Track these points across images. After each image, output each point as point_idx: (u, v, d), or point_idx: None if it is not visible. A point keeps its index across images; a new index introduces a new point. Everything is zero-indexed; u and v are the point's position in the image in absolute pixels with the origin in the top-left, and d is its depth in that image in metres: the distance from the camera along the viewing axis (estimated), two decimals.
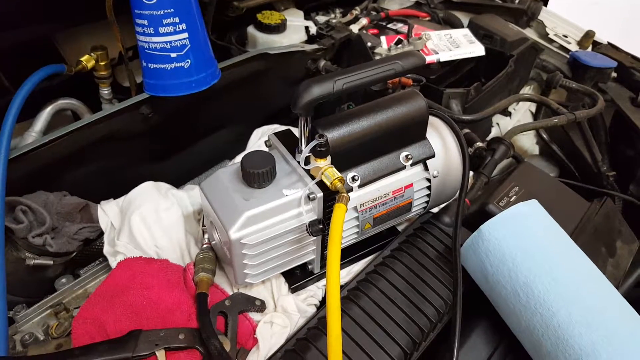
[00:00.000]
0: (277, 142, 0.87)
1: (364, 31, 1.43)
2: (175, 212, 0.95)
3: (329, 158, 0.78)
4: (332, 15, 1.53)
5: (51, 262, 0.94)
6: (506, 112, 1.67)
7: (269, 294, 0.87)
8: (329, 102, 0.84)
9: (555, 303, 0.72)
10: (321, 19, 1.51)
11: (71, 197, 0.99)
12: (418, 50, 1.21)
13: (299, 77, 1.35)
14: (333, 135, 0.79)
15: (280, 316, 0.82)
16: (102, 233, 0.99)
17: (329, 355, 0.60)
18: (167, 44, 0.95)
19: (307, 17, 1.50)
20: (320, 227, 0.77)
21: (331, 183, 0.75)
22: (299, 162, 0.81)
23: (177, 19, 0.93)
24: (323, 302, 0.90)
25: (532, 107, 1.74)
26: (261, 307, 0.84)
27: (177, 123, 1.16)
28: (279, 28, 1.34)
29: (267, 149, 0.89)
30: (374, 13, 1.54)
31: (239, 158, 1.08)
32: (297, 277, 0.90)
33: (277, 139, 0.87)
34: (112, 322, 0.72)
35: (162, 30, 0.92)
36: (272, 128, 1.21)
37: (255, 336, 0.79)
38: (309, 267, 0.90)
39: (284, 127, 1.13)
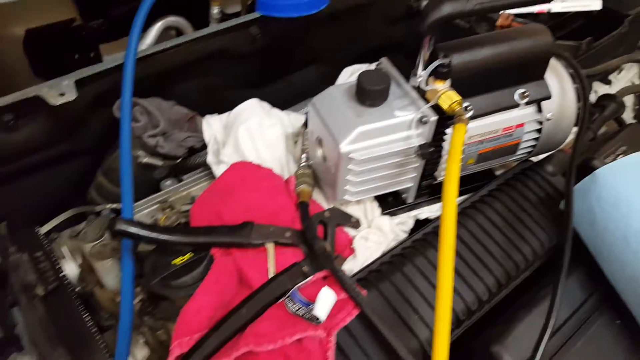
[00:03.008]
0: (389, 65, 0.86)
1: None
2: (277, 130, 0.98)
3: (448, 81, 0.77)
4: None
5: (160, 163, 1.00)
6: (606, 80, 1.58)
7: (362, 215, 0.89)
8: None
9: None
10: None
11: (180, 107, 1.04)
12: None
13: (397, 15, 1.33)
14: (454, 59, 0.78)
15: (376, 233, 0.84)
16: (204, 145, 1.04)
17: (440, 267, 0.61)
18: None
19: None
20: (431, 151, 0.77)
21: (449, 106, 0.74)
22: (412, 87, 0.81)
23: None
24: (413, 231, 0.91)
25: (635, 78, 1.63)
26: (356, 224, 0.86)
27: (279, 50, 1.17)
28: None
29: None
30: None
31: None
32: (390, 204, 0.91)
33: (390, 62, 0.87)
34: (228, 213, 0.77)
35: None
36: (364, 67, 1.21)
37: (352, 247, 0.81)
38: (403, 195, 0.91)
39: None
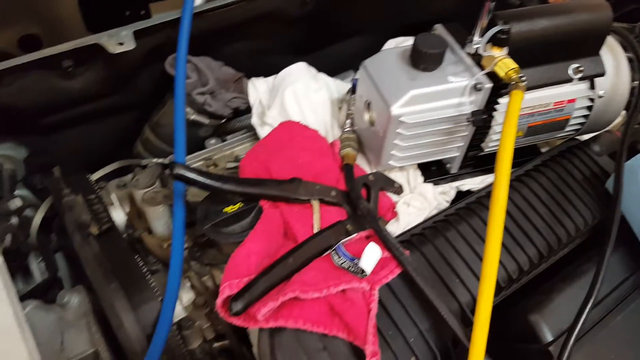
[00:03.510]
0: (444, 32, 0.86)
1: None
2: (323, 94, 0.99)
3: (506, 49, 0.77)
4: None
5: (207, 122, 1.02)
6: None
7: (405, 182, 0.90)
8: None
9: None
10: None
11: (228, 68, 1.06)
12: None
13: None
14: (514, 27, 0.77)
15: (419, 199, 0.85)
16: (249, 107, 1.05)
17: (489, 233, 0.62)
18: None
19: None
20: (483, 118, 0.77)
21: (506, 73, 0.74)
22: (467, 53, 0.81)
23: None
24: (454, 202, 0.91)
25: None
26: (399, 189, 0.87)
27: (326, 17, 1.17)
28: None
29: None
30: None
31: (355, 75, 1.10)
32: (434, 173, 0.92)
33: (445, 29, 0.87)
34: (276, 168, 0.79)
35: None
36: (409, 40, 1.20)
37: (394, 211, 0.82)
38: (447, 165, 0.92)
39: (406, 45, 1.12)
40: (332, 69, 1.35)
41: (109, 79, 0.90)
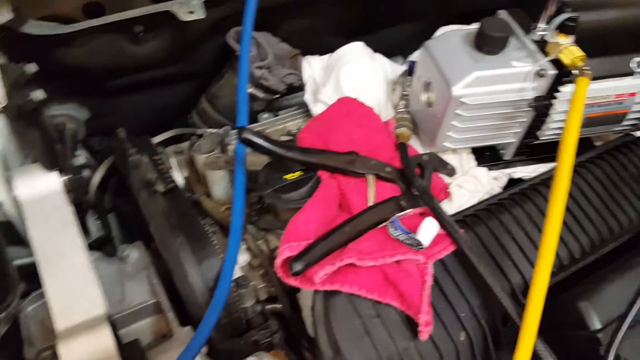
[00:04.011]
0: (507, 17, 0.86)
1: None
2: (379, 74, 1.01)
3: (572, 37, 0.77)
4: None
5: (262, 95, 1.04)
6: None
7: (458, 165, 0.90)
8: None
9: None
10: None
11: (286, 44, 1.08)
12: None
13: None
14: (582, 15, 0.77)
15: (472, 181, 0.86)
16: (301, 85, 1.07)
17: (548, 218, 0.62)
18: None
19: None
20: (546, 103, 0.78)
21: (572, 61, 0.74)
22: (531, 39, 0.81)
23: None
24: (505, 188, 0.92)
25: None
26: (452, 171, 0.88)
27: (382, 1, 1.18)
28: None
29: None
30: None
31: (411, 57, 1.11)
32: (487, 158, 0.92)
33: (508, 14, 0.87)
34: (334, 142, 0.81)
35: None
36: (462, 28, 1.20)
37: (448, 191, 0.83)
38: (501, 151, 0.92)
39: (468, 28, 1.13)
40: (383, 51, 1.37)
41: (174, 47, 0.93)
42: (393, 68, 1.06)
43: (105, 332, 0.60)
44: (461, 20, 1.30)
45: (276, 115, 1.08)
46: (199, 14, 0.86)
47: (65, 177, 0.75)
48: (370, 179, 0.78)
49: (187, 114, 1.12)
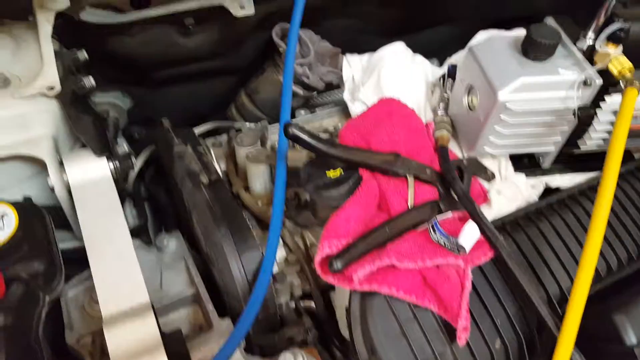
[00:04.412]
0: (555, 24, 0.86)
1: None
2: (419, 76, 1.01)
3: (621, 47, 0.76)
4: None
5: (301, 92, 1.05)
6: None
7: (496, 170, 0.90)
8: None
9: None
10: None
11: (326, 42, 1.09)
12: None
13: None
14: (634, 26, 0.76)
15: (511, 188, 0.85)
16: (340, 82, 1.08)
17: (591, 229, 0.62)
18: None
19: None
20: (590, 113, 0.77)
21: (619, 71, 0.74)
22: (579, 48, 0.81)
23: None
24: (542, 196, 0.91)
25: None
26: (490, 177, 0.88)
27: (423, 2, 1.18)
28: None
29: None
30: None
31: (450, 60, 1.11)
32: (525, 165, 0.92)
33: (556, 21, 0.86)
34: (375, 141, 0.81)
35: None
36: (502, 33, 1.19)
37: (489, 196, 0.83)
38: (540, 159, 0.92)
39: (510, 33, 1.12)
40: (420, 53, 1.37)
41: (221, 40, 0.95)
42: (433, 70, 1.06)
43: (150, 320, 0.62)
44: (500, 25, 1.30)
45: (313, 112, 1.09)
46: (249, 10, 0.88)
47: (112, 164, 0.77)
48: (411, 180, 0.79)
49: (225, 106, 1.14)
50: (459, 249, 0.69)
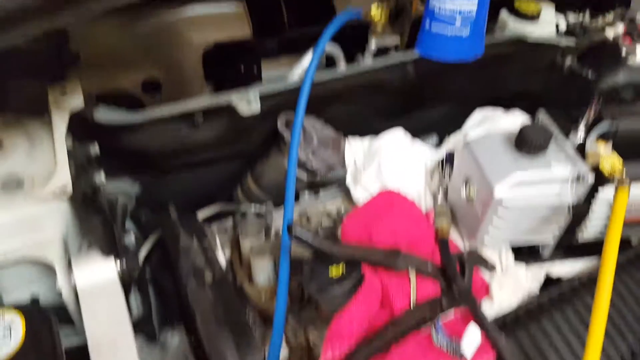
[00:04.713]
0: (547, 119, 0.90)
1: (619, 39, 1.37)
2: (419, 163, 1.04)
3: (610, 144, 0.79)
4: (581, 15, 1.48)
5: (305, 177, 1.08)
6: None
7: (497, 260, 0.91)
8: None
9: None
10: (570, 16, 1.48)
11: (329, 128, 1.13)
12: None
13: (539, 67, 1.34)
14: (621, 124, 0.80)
15: (512, 281, 0.86)
16: (343, 165, 1.11)
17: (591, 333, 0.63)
18: (456, 12, 1.01)
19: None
20: (584, 210, 0.79)
21: (610, 169, 0.76)
22: (571, 143, 0.84)
23: None
24: (544, 285, 0.92)
25: None
26: (492, 268, 0.89)
27: (423, 87, 1.23)
28: (534, 17, 1.34)
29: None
30: (628, 23, 1.46)
31: (454, 136, 1.16)
32: (525, 254, 0.93)
33: (547, 115, 0.90)
34: (376, 235, 0.84)
35: None
36: (497, 112, 1.23)
37: (488, 291, 0.84)
38: (540, 249, 0.93)
39: (507, 112, 1.16)
40: (421, 130, 1.41)
41: (228, 132, 0.99)
42: (432, 154, 1.10)
43: None
44: (500, 103, 1.35)
45: (316, 193, 1.11)
46: (256, 107, 0.92)
47: (119, 263, 0.78)
48: (412, 275, 0.80)
49: (232, 188, 1.17)
50: (462, 355, 0.69)
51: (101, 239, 0.79)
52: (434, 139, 1.40)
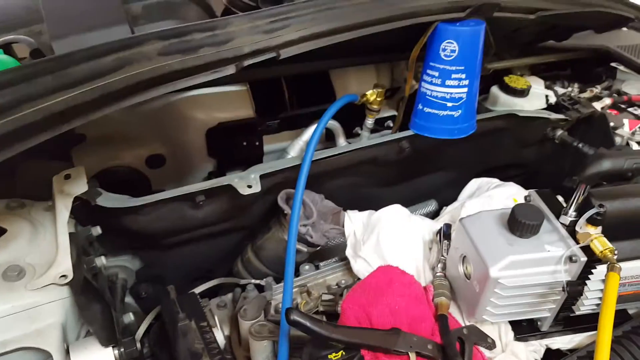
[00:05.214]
0: (538, 199, 0.93)
1: (606, 110, 1.43)
2: (417, 236, 1.06)
3: (600, 227, 0.82)
4: (570, 89, 1.55)
5: (305, 250, 1.10)
6: None
7: (496, 336, 0.92)
8: None
9: None
10: (559, 90, 1.55)
11: (329, 201, 1.16)
12: None
13: (533, 140, 1.40)
14: (609, 207, 0.82)
15: (511, 359, 0.86)
16: (343, 237, 1.13)
17: None
18: (447, 95, 1.07)
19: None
20: (579, 289, 0.81)
21: (601, 252, 0.79)
22: (562, 224, 0.87)
23: (463, 76, 1.05)
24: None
25: None
26: (491, 345, 0.89)
27: (419, 159, 1.28)
28: (523, 92, 1.41)
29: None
30: (615, 95, 1.53)
31: (452, 205, 1.18)
32: (524, 329, 0.94)
33: (539, 197, 0.93)
34: (376, 314, 0.84)
35: (448, 82, 1.06)
36: (491, 181, 1.26)
37: None
38: (538, 323, 0.94)
39: (502, 182, 1.20)
40: (416, 197, 1.45)
41: (229, 210, 1.02)
42: (430, 226, 1.12)
43: None
44: (494, 172, 1.39)
45: (317, 266, 1.13)
46: (256, 188, 0.96)
47: (117, 352, 0.78)
48: (412, 357, 0.80)
49: (231, 261, 1.18)
50: None
51: (101, 328, 0.79)
52: (433, 205, 1.44)
